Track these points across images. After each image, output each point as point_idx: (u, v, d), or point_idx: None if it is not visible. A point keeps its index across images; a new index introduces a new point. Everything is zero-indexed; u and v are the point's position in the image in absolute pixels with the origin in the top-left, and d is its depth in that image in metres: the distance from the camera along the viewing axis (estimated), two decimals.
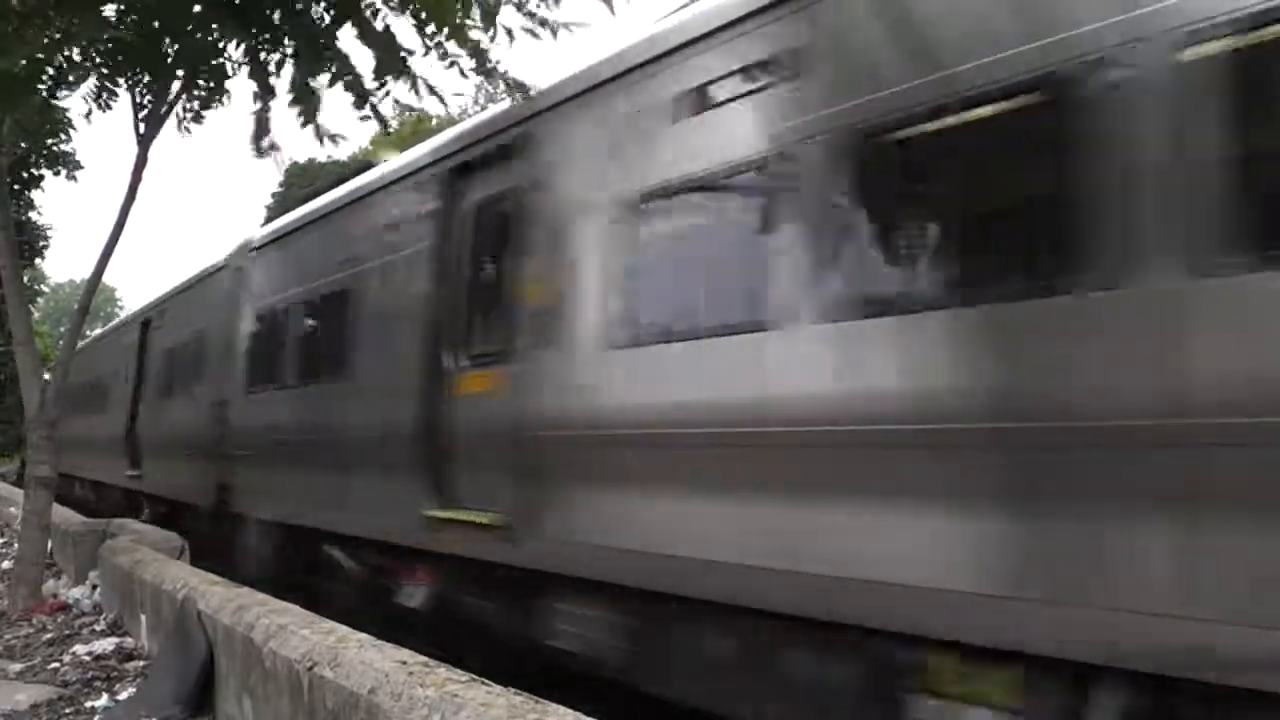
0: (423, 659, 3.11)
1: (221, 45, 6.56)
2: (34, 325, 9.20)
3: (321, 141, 6.26)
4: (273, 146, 6.74)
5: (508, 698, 2.62)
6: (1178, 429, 2.80)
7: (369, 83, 6.06)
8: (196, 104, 7.31)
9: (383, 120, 6.22)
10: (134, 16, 6.17)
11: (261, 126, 6.68)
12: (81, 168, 8.26)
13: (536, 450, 5.14)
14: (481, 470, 5.65)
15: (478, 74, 5.70)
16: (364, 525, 6.94)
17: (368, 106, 6.11)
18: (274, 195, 41.81)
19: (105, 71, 6.62)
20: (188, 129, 7.41)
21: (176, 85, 7.18)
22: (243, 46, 6.42)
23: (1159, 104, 2.97)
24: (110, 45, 6.33)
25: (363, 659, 3.13)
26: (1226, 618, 2.68)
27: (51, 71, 6.40)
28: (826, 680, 3.84)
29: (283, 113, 6.48)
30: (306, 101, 6.13)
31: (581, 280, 5.10)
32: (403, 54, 5.87)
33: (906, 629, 3.44)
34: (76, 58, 6.56)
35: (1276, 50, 2.78)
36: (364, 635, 3.55)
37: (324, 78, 6.10)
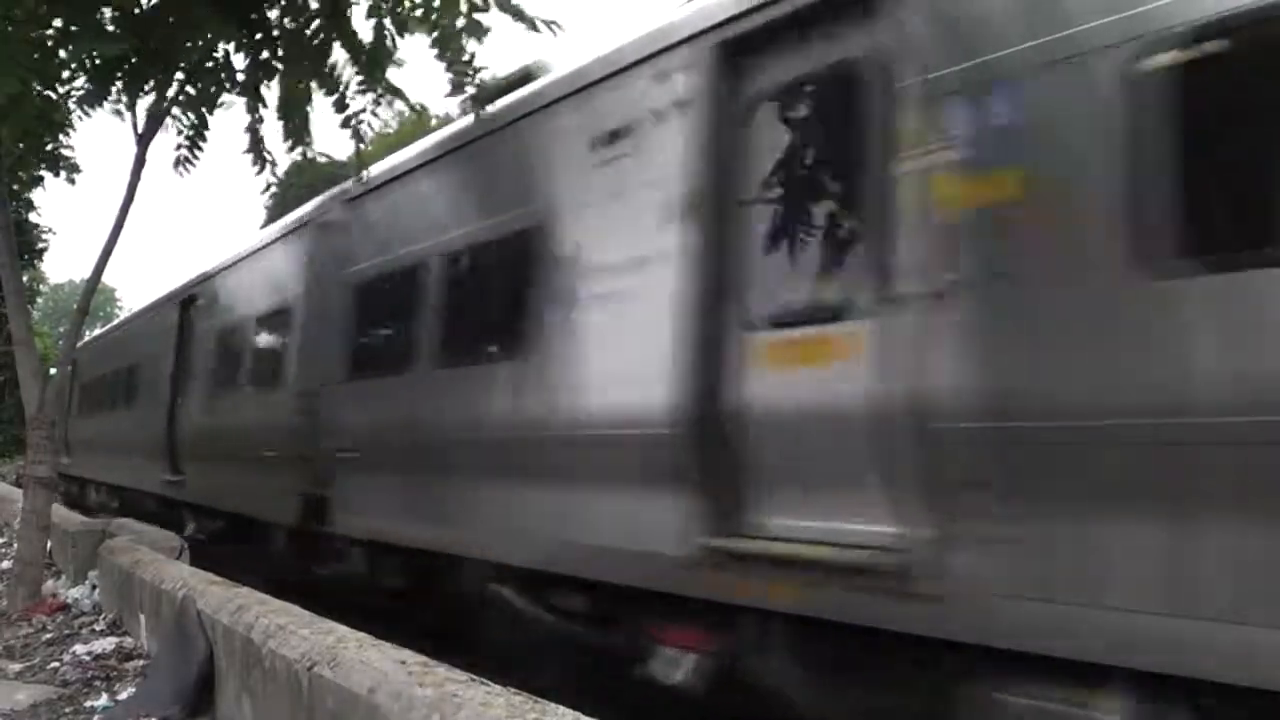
0: (421, 659, 3.11)
1: (215, 42, 6.56)
2: (33, 325, 9.17)
3: (306, 158, 6.73)
4: (268, 161, 6.97)
5: (507, 697, 2.62)
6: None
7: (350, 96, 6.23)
8: (189, 136, 7.15)
9: (360, 138, 6.49)
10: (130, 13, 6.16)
11: (255, 140, 6.87)
12: (80, 170, 8.22)
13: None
14: None
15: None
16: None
17: (350, 125, 6.38)
18: (273, 196, 41.76)
19: (96, 77, 6.58)
20: (186, 168, 7.24)
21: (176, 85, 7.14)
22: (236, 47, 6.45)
23: None
24: (105, 56, 6.29)
25: (362, 658, 3.13)
26: None
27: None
28: None
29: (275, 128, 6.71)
30: (297, 115, 6.35)
31: None
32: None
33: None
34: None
35: None
36: (363, 635, 3.55)
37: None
